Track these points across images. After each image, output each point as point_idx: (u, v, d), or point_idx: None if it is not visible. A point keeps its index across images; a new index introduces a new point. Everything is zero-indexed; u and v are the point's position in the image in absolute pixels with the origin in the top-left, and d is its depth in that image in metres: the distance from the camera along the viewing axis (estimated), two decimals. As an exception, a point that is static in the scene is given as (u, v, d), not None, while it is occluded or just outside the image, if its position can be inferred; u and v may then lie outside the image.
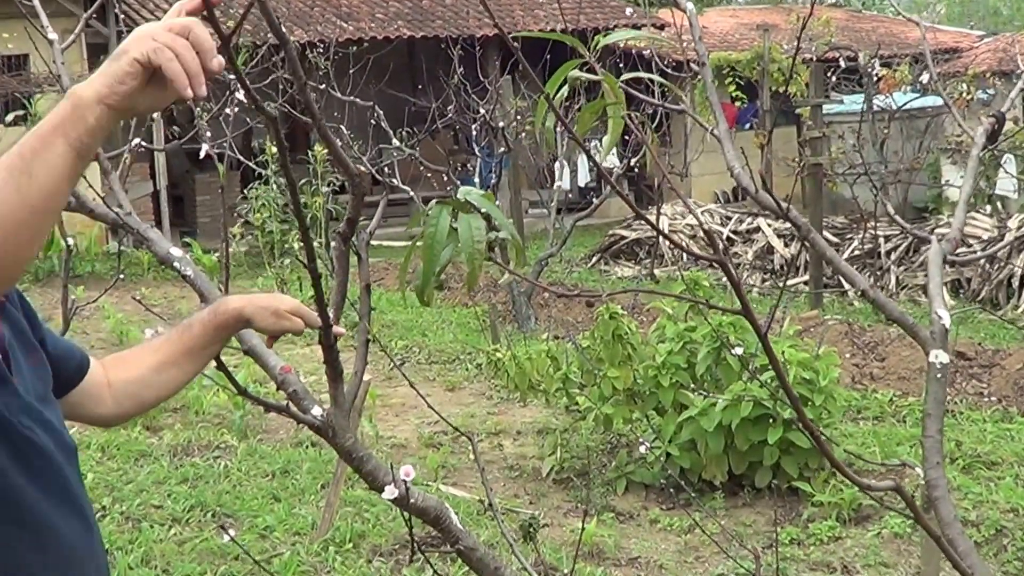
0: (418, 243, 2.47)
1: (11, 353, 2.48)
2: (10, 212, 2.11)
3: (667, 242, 19.12)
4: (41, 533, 2.46)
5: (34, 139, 2.11)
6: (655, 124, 14.97)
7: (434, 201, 2.38)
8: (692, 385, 8.38)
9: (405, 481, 2.54)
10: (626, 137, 14.74)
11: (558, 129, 17.49)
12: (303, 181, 16.76)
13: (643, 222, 19.61)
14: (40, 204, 2.13)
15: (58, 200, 2.16)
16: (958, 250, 3.80)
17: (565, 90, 2.40)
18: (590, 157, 1.86)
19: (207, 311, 2.91)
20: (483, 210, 2.40)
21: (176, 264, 3.08)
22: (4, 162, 2.11)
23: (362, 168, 2.34)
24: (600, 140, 19.00)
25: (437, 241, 2.35)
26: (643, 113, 2.69)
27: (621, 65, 6.89)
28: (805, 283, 16.86)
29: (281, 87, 14.33)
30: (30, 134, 2.11)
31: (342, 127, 12.20)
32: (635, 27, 24.11)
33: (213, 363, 2.89)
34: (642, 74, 2.59)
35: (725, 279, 14.53)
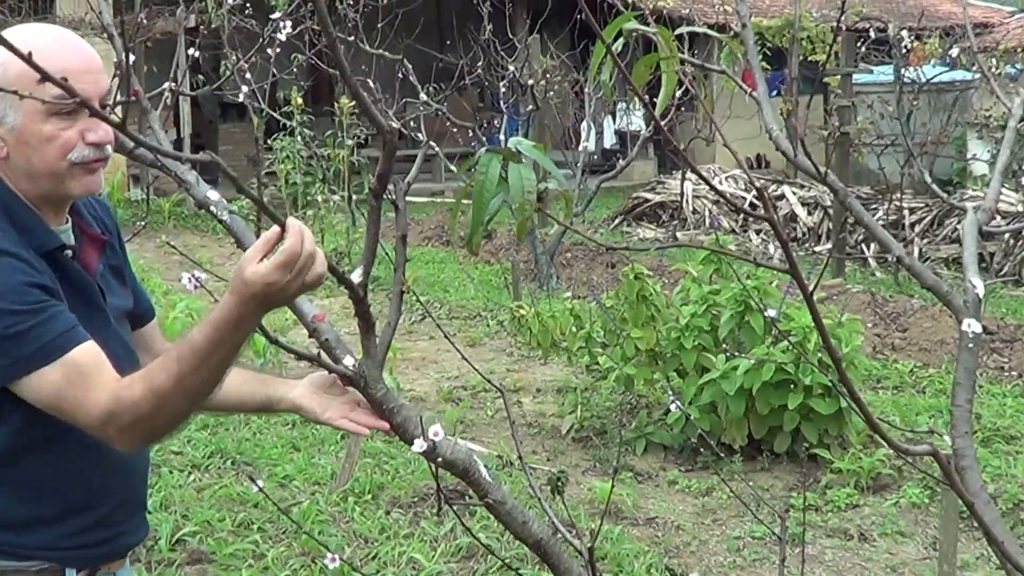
0: (467, 194, 2.45)
1: (104, 283, 2.96)
2: (192, 409, 2.72)
3: (691, 207, 19.14)
4: (101, 441, 2.76)
5: (194, 372, 2.59)
6: (683, 89, 14.83)
7: (483, 149, 2.36)
8: (716, 348, 8.37)
9: (433, 441, 2.54)
10: (653, 100, 14.64)
11: (579, 92, 17.32)
12: (328, 133, 16.70)
13: (667, 186, 19.56)
14: (204, 396, 2.68)
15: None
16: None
17: (620, 42, 2.38)
18: (645, 105, 1.85)
19: (274, 394, 3.17)
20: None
21: (213, 208, 3.07)
22: (167, 389, 2.60)
23: (393, 124, 2.30)
24: (620, 103, 18.85)
25: (487, 189, 2.34)
26: (698, 70, 2.67)
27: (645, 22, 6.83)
28: (828, 251, 16.81)
29: (308, 38, 14.29)
30: (187, 364, 2.59)
31: (369, 80, 12.16)
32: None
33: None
34: (697, 29, 2.58)
35: (746, 247, 14.42)
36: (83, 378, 2.65)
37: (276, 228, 2.48)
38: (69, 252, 2.87)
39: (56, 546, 2.90)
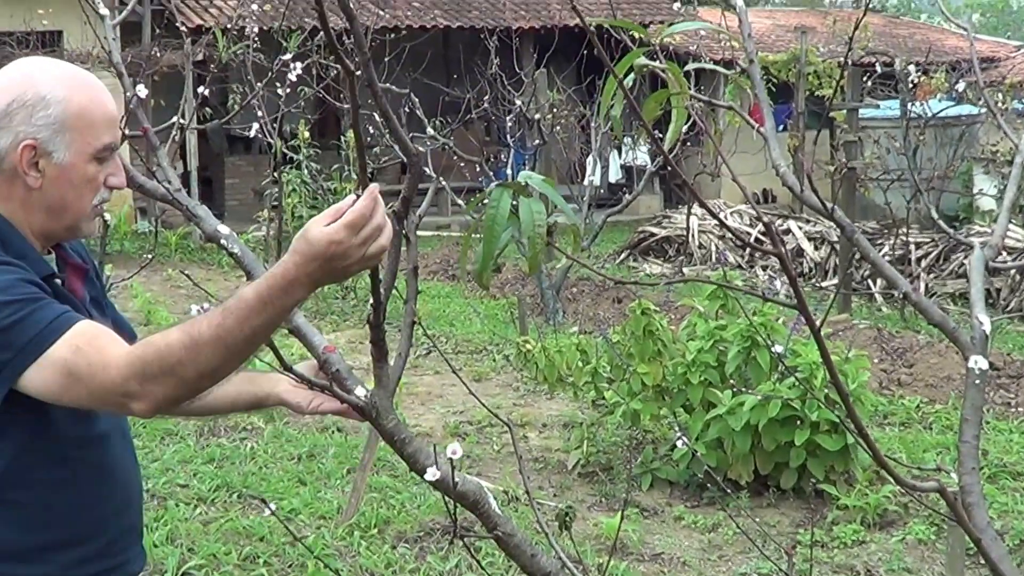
0: (477, 229, 2.46)
1: (91, 313, 2.91)
2: (224, 371, 2.58)
3: (697, 241, 19.15)
4: (106, 466, 2.97)
5: (238, 325, 2.50)
6: (689, 123, 14.88)
7: (493, 184, 2.37)
8: (722, 384, 8.37)
9: (451, 459, 2.54)
10: (661, 135, 14.66)
11: (585, 126, 17.35)
12: (334, 167, 16.73)
13: (673, 220, 19.57)
14: (238, 360, 2.60)
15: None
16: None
17: (631, 78, 2.40)
18: (654, 140, 1.86)
19: (261, 391, 3.19)
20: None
21: (223, 241, 3.09)
22: (205, 337, 2.51)
23: (419, 148, 2.33)
24: (627, 137, 18.93)
25: (498, 223, 2.35)
26: (706, 105, 2.72)
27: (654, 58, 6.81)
28: (834, 287, 16.83)
29: (316, 72, 14.31)
30: (232, 315, 2.50)
31: (375, 114, 12.18)
32: (671, 24, 24.03)
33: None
34: (705, 66, 2.59)
35: (753, 282, 14.41)
36: (92, 342, 2.62)
37: (348, 200, 2.41)
38: (59, 280, 2.91)
39: (62, 575, 2.92)
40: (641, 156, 23.97)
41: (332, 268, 2.44)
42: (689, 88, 2.71)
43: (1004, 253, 16.01)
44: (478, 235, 2.45)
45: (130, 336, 3.16)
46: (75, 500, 2.90)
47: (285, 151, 15.57)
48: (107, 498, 2.96)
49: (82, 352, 2.60)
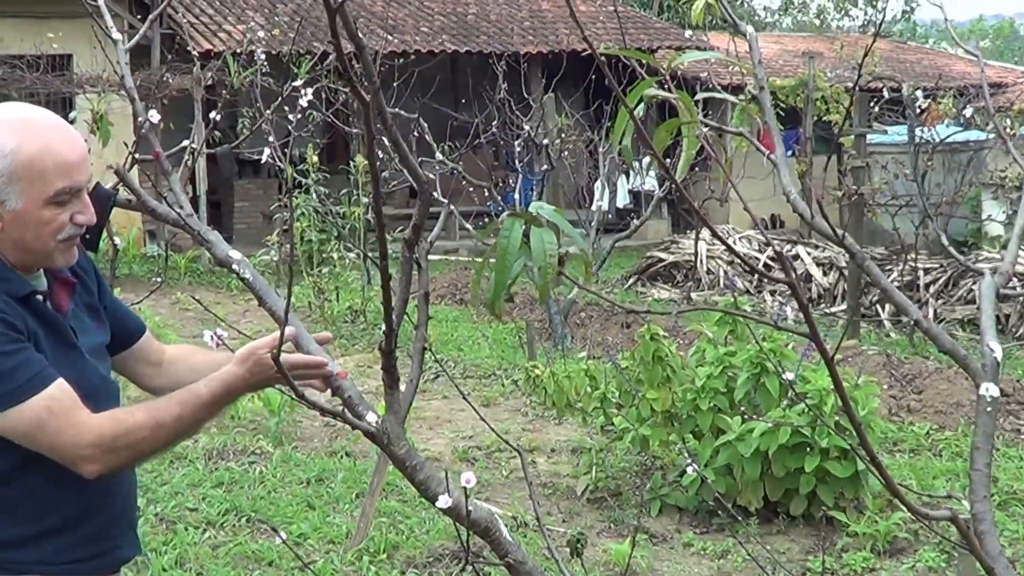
0: (490, 258, 2.46)
1: (76, 322, 3.21)
2: (168, 449, 3.27)
3: (705, 267, 19.14)
4: None
5: (192, 417, 3.12)
6: (698, 148, 14.85)
7: (505, 213, 2.38)
8: (732, 410, 8.35)
9: (465, 487, 2.54)
10: (668, 159, 14.62)
11: (593, 151, 17.33)
12: (343, 191, 16.75)
13: (681, 246, 19.55)
14: (177, 443, 3.28)
15: None
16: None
17: (642, 107, 2.40)
18: (664, 168, 1.86)
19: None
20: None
21: (235, 267, 3.11)
22: (167, 423, 3.06)
23: (430, 175, 2.39)
24: (635, 162, 18.91)
25: (510, 253, 2.36)
26: (716, 131, 2.73)
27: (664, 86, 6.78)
28: (843, 312, 16.82)
29: (325, 96, 14.33)
30: (189, 408, 3.10)
31: (384, 139, 12.19)
32: (679, 49, 24.10)
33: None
34: (715, 94, 2.60)
35: (761, 308, 14.36)
36: (66, 409, 2.92)
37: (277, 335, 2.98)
38: (40, 296, 3.11)
39: (52, 560, 3.11)
40: (649, 181, 23.99)
41: (258, 385, 3.18)
42: (697, 114, 2.71)
43: (1014, 279, 15.97)
44: (491, 263, 2.46)
45: (138, 328, 3.59)
46: (60, 492, 3.09)
47: (295, 175, 15.59)
48: (91, 489, 3.10)
49: (55, 415, 2.92)
